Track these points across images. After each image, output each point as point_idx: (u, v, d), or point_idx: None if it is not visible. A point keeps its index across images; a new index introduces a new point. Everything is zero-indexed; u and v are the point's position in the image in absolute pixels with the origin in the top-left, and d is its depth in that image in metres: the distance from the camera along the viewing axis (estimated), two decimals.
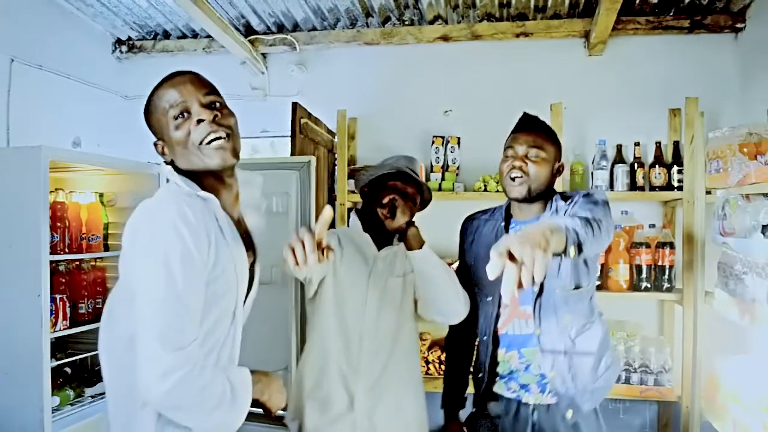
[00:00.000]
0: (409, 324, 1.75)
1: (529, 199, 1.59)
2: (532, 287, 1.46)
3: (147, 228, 1.11)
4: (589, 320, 1.61)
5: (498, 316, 1.63)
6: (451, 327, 1.83)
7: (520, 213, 1.66)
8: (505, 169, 1.61)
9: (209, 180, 1.22)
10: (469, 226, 1.81)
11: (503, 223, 1.67)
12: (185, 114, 1.18)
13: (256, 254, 1.35)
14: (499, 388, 1.65)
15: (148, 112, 1.23)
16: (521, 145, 1.58)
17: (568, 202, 1.56)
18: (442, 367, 2.85)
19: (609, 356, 1.65)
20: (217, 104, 1.21)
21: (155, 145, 1.24)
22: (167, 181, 1.24)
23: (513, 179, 1.57)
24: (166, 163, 1.25)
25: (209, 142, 1.17)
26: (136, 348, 1.06)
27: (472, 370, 1.81)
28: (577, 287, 1.57)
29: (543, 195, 1.61)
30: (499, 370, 1.65)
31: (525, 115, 1.66)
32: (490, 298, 1.65)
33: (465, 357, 1.86)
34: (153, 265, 1.07)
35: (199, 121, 1.16)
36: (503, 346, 1.64)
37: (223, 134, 1.18)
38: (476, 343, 1.78)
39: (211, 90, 1.22)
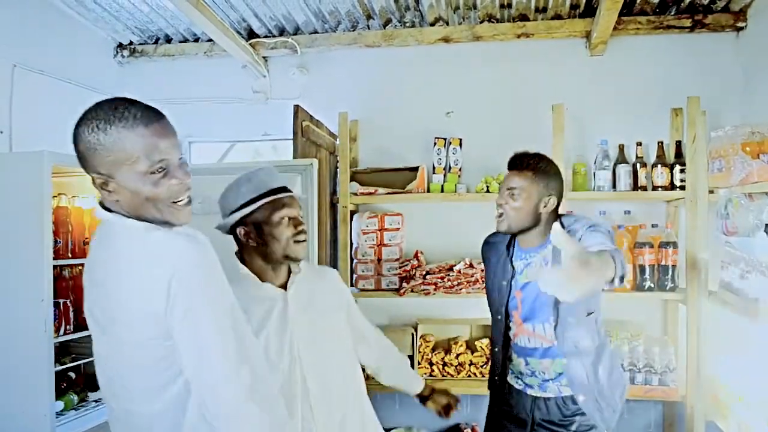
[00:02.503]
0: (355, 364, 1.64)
1: (517, 232, 1.74)
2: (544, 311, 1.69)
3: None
4: (602, 343, 1.75)
5: (507, 328, 1.81)
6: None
7: (522, 242, 1.78)
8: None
9: None
10: (484, 250, 1.95)
11: (506, 252, 1.81)
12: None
13: None
14: (510, 379, 1.85)
15: None
16: (504, 184, 1.74)
17: (569, 231, 1.62)
18: (446, 368, 2.86)
19: (620, 373, 1.83)
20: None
21: None
22: None
23: (497, 216, 1.75)
24: None
25: None
26: None
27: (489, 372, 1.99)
28: (589, 314, 1.69)
29: (536, 226, 1.72)
30: (511, 368, 1.84)
31: (513, 155, 1.75)
32: (500, 317, 1.82)
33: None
34: None
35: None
36: (514, 353, 1.82)
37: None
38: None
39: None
